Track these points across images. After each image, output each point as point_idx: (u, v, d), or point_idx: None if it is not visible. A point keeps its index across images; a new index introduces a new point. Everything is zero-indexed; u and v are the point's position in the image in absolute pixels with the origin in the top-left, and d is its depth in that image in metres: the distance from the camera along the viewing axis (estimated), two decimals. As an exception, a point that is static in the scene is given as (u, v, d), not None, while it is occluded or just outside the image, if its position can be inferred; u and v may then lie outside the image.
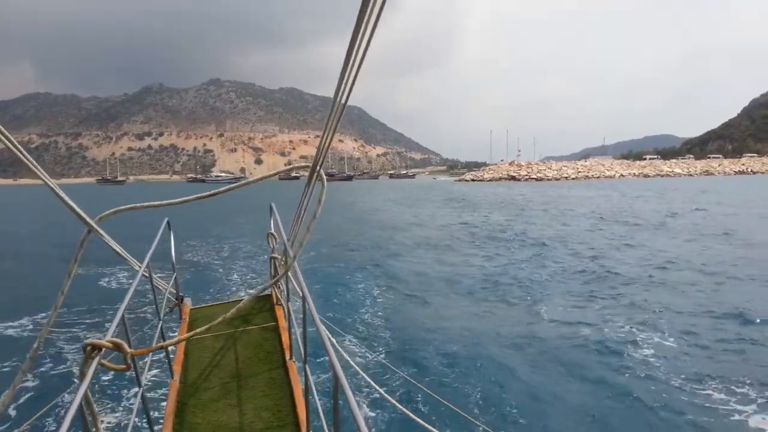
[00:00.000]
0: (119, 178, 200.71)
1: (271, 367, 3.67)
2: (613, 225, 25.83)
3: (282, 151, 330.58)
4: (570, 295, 11.87)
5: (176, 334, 4.78)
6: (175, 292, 4.65)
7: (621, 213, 32.03)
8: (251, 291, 11.65)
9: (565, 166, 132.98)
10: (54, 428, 5.71)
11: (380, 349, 8.41)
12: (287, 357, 3.74)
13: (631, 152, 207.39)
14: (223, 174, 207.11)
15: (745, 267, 14.42)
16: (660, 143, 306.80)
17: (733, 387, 6.77)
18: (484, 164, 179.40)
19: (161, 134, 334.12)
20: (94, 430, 1.97)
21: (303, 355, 2.96)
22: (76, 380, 6.65)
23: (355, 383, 6.25)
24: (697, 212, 31.24)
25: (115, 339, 2.19)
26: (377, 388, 4.12)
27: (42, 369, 7.58)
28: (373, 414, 6.01)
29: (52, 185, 2.83)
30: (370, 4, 1.58)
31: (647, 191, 57.94)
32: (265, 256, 5.93)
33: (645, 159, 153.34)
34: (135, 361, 2.50)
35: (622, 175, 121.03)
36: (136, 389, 2.79)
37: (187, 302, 4.88)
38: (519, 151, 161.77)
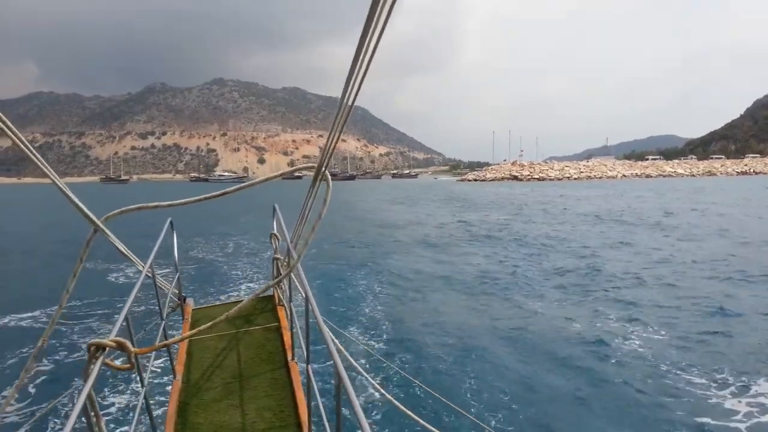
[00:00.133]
0: (123, 177, 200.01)
1: (273, 368, 3.68)
2: (609, 224, 26.14)
3: (285, 151, 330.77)
4: (564, 291, 12.21)
5: (179, 333, 4.89)
6: (177, 292, 4.65)
7: (620, 212, 32.30)
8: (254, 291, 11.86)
9: (567, 167, 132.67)
10: (59, 428, 5.75)
11: (381, 346, 8.48)
12: (289, 357, 3.77)
13: (634, 153, 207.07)
14: (226, 173, 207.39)
15: (735, 264, 14.76)
16: (664, 144, 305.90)
17: (713, 373, 7.15)
18: (487, 164, 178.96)
19: (164, 133, 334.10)
20: (97, 429, 1.98)
21: (305, 356, 2.98)
22: (77, 379, 6.74)
23: (356, 384, 6.37)
24: (693, 212, 31.51)
25: (118, 338, 2.19)
26: (380, 388, 4.18)
27: (46, 368, 7.61)
28: (374, 414, 6.02)
29: (60, 184, 2.79)
30: (379, 7, 1.59)
31: (648, 191, 58.08)
32: (269, 253, 6.15)
33: (647, 159, 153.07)
34: (138, 361, 2.51)
35: (624, 176, 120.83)
36: (139, 389, 2.86)
37: (190, 302, 4.93)
38: (521, 151, 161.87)
